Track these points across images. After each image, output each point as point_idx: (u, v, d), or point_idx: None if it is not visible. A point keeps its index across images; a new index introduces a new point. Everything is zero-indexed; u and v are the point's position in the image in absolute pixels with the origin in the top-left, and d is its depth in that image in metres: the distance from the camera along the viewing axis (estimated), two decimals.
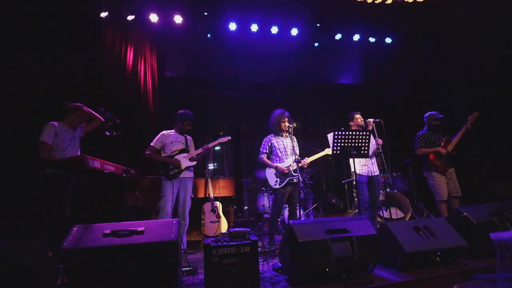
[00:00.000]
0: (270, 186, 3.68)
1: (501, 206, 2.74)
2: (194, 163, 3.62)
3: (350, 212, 5.37)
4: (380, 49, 6.34)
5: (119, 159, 2.84)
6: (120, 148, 2.81)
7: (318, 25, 5.92)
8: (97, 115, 3.12)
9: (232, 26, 5.48)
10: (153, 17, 5.09)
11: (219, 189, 4.22)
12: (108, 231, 1.99)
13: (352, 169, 3.43)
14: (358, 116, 3.91)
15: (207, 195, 4.14)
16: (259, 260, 2.15)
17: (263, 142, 3.78)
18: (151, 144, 3.55)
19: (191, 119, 3.67)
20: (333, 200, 5.83)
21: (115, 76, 4.82)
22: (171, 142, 3.57)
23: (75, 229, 2.01)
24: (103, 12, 4.78)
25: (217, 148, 6.93)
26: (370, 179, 3.72)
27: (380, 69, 6.47)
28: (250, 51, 5.91)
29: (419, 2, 5.12)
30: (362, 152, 3.28)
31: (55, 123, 2.92)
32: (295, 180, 3.56)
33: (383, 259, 2.36)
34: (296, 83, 6.72)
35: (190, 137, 3.78)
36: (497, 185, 4.59)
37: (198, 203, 4.23)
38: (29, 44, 4.11)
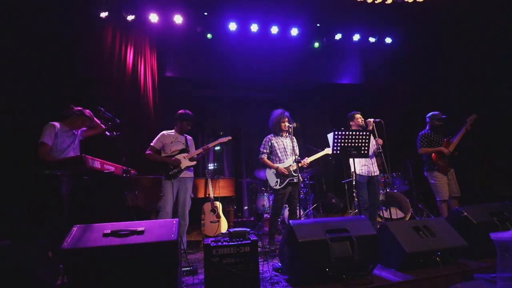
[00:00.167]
0: (270, 186, 3.69)
1: (501, 206, 2.74)
2: (194, 163, 3.62)
3: (350, 212, 5.37)
4: (380, 49, 6.34)
5: (119, 159, 2.84)
6: (120, 148, 2.81)
7: (318, 25, 5.92)
8: (99, 122, 3.13)
9: (232, 26, 5.48)
10: (153, 17, 5.09)
11: (219, 189, 4.22)
12: (108, 231, 1.99)
13: (352, 169, 3.43)
14: (358, 116, 3.91)
15: (207, 195, 4.14)
16: (259, 260, 2.15)
17: (263, 142, 3.78)
18: (151, 144, 3.55)
19: (191, 119, 3.67)
20: (333, 200, 5.83)
21: (115, 76, 4.82)
22: (171, 142, 3.57)
23: (75, 229, 2.01)
24: (103, 12, 4.78)
25: (217, 148, 6.93)
26: (370, 179, 3.72)
27: (380, 69, 6.47)
28: (250, 51, 5.92)
29: (419, 2, 5.12)
30: (362, 152, 3.28)
31: (56, 124, 2.91)
32: (295, 180, 3.56)
33: (383, 259, 2.37)
34: (296, 83, 6.72)
35: (190, 137, 3.79)
36: (497, 185, 4.60)
37: (198, 203, 4.23)
38: (29, 44, 4.11)
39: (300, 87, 6.95)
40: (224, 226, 4.07)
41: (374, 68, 6.59)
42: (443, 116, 4.15)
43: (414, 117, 5.55)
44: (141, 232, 2.00)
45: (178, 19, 5.19)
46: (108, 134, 2.95)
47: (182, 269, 2.49)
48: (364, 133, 3.26)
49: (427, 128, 4.26)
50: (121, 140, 2.86)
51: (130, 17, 4.97)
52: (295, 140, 3.77)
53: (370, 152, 3.64)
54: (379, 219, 4.26)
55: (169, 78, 5.81)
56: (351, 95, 6.88)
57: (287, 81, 6.59)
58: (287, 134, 3.79)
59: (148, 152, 3.52)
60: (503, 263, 1.47)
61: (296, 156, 3.60)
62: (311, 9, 5.55)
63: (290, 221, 2.26)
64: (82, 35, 4.71)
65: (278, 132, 3.75)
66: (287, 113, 3.72)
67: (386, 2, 5.08)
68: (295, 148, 3.70)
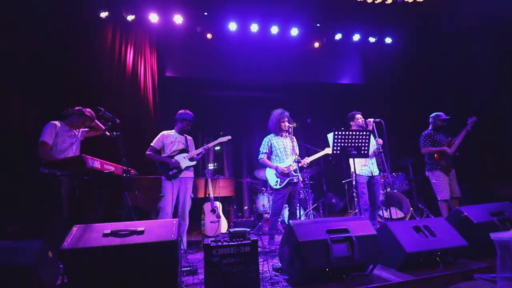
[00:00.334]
0: (270, 186, 3.68)
1: (501, 206, 2.74)
2: (194, 163, 3.62)
3: (350, 212, 5.37)
4: (380, 49, 6.34)
5: (119, 159, 2.84)
6: (120, 148, 2.81)
7: (318, 25, 5.92)
8: (100, 124, 3.13)
9: (232, 26, 5.48)
10: (153, 17, 5.09)
11: (219, 189, 4.22)
12: (108, 231, 1.98)
13: (352, 169, 3.43)
14: (359, 116, 3.91)
15: (207, 195, 4.14)
16: (259, 260, 2.15)
17: (263, 142, 3.78)
18: (152, 144, 3.55)
19: (191, 120, 3.67)
20: (333, 200, 5.84)
21: (115, 76, 4.82)
22: (171, 142, 3.57)
23: (75, 229, 2.00)
24: (103, 12, 4.78)
25: (217, 148, 6.93)
26: (370, 179, 3.72)
27: (380, 69, 6.47)
28: (250, 51, 5.92)
29: (419, 2, 5.12)
30: (362, 152, 3.28)
31: (57, 123, 2.91)
32: (295, 180, 3.56)
33: (383, 259, 2.36)
34: (296, 83, 6.72)
35: (190, 138, 3.78)
36: (497, 185, 4.60)
37: (198, 203, 4.23)
38: (29, 43, 4.11)
39: (300, 87, 6.95)
40: (224, 226, 4.07)
41: (374, 68, 6.59)
42: (447, 117, 4.16)
43: (414, 117, 5.56)
44: (141, 232, 2.00)
45: (178, 19, 5.19)
46: (108, 134, 2.94)
47: (182, 269, 2.49)
48: (364, 133, 3.26)
49: (430, 128, 4.26)
50: (121, 140, 2.86)
51: (130, 17, 4.98)
52: (295, 140, 3.77)
53: (370, 152, 3.64)
54: (379, 219, 4.26)
55: (169, 78, 5.81)
56: (351, 95, 6.88)
57: (287, 81, 6.59)
58: (287, 134, 3.79)
59: (148, 152, 3.52)
60: (503, 263, 1.47)
61: (296, 156, 3.60)
62: (311, 9, 5.55)
63: (290, 221, 2.25)
64: (82, 35, 4.71)
65: (278, 132, 3.75)
66: (287, 113, 3.72)
67: (386, 2, 5.08)
68: (295, 148, 3.70)
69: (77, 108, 3.05)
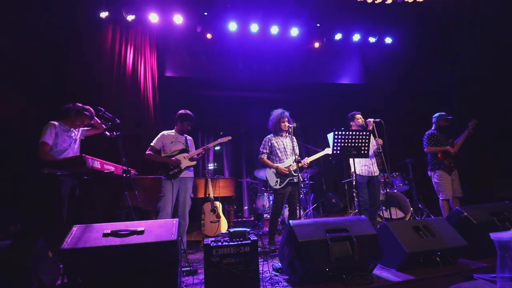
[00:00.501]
0: (270, 186, 3.69)
1: (501, 206, 2.74)
2: (194, 163, 3.62)
3: (350, 212, 5.37)
4: (380, 49, 6.34)
5: (119, 159, 2.84)
6: (120, 148, 2.81)
7: (318, 25, 5.92)
8: (100, 122, 3.13)
9: (232, 26, 5.48)
10: (153, 17, 5.09)
11: (219, 189, 4.22)
12: (108, 231, 1.99)
13: (352, 169, 3.43)
14: (359, 116, 3.91)
15: (207, 195, 4.14)
16: (259, 260, 2.15)
17: (263, 142, 3.78)
18: (151, 144, 3.55)
19: (191, 120, 3.67)
20: (333, 200, 5.84)
21: (115, 76, 4.82)
22: (171, 142, 3.57)
23: (75, 229, 2.01)
24: (103, 12, 4.78)
25: (217, 148, 6.93)
26: (370, 179, 3.72)
27: (380, 69, 6.48)
28: (250, 51, 5.92)
29: (419, 2, 5.12)
30: (362, 152, 3.27)
31: (56, 123, 2.91)
32: (295, 180, 3.56)
33: (383, 259, 2.36)
34: (296, 83, 6.72)
35: (190, 138, 3.79)
36: (497, 185, 4.60)
37: (198, 203, 4.23)
38: (29, 43, 4.11)
39: (300, 87, 6.95)
40: (224, 226, 4.07)
41: (374, 68, 6.59)
42: (450, 117, 4.17)
43: (414, 117, 5.56)
44: (141, 232, 2.00)
45: (178, 19, 5.19)
46: (108, 134, 2.94)
47: (182, 269, 2.49)
48: (364, 133, 3.26)
49: (433, 128, 4.27)
50: (121, 140, 2.86)
51: (130, 17, 4.97)
52: (295, 140, 3.77)
53: (370, 152, 3.64)
54: (379, 219, 4.26)
55: (169, 78, 5.81)
56: (351, 95, 6.88)
57: (287, 81, 6.59)
58: (287, 134, 3.79)
59: (148, 152, 3.52)
60: (503, 263, 1.47)
61: (296, 156, 3.60)
62: (311, 9, 5.55)
63: (290, 221, 2.25)
64: (82, 35, 4.71)
65: (278, 132, 3.75)
66: (287, 113, 3.72)
67: (386, 2, 5.08)
68: (295, 148, 3.70)
69: (76, 107, 3.03)
